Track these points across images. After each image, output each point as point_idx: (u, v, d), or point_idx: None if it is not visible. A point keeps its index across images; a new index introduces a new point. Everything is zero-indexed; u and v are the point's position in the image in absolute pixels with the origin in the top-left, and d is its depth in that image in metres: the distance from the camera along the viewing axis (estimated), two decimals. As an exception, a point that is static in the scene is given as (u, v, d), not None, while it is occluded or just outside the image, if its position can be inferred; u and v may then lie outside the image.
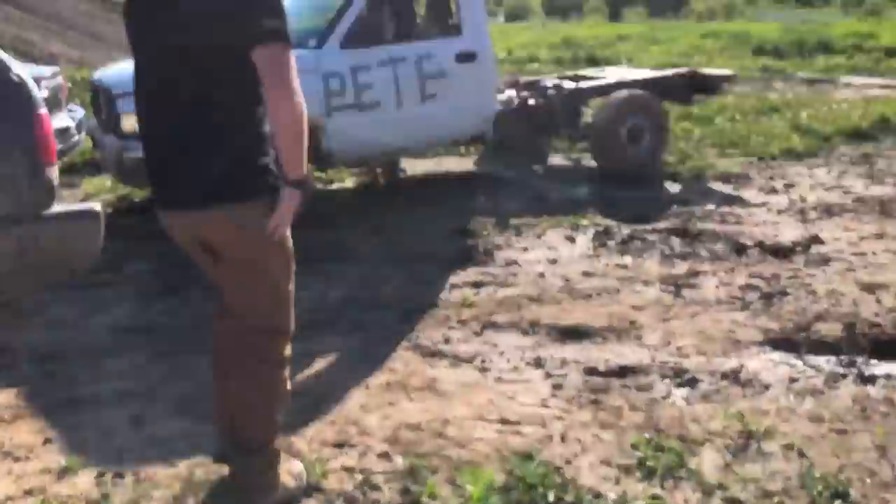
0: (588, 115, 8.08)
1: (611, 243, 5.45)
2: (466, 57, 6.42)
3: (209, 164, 2.34)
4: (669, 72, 8.24)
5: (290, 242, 2.53)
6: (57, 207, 3.37)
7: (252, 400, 2.55)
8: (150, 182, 2.55)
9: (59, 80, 7.57)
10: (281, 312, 2.56)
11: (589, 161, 7.95)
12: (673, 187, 7.08)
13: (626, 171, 7.25)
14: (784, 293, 4.48)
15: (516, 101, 7.36)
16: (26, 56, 11.42)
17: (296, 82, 2.33)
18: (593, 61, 18.56)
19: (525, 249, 5.37)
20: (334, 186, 7.38)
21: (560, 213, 6.16)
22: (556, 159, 8.27)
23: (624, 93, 7.34)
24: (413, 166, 7.71)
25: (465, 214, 6.09)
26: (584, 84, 7.72)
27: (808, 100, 11.75)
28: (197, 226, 2.44)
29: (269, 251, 2.46)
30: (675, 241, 5.46)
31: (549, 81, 7.90)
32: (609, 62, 18.40)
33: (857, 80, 15.24)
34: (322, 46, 5.94)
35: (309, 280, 4.85)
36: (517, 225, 5.84)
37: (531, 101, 7.32)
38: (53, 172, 3.38)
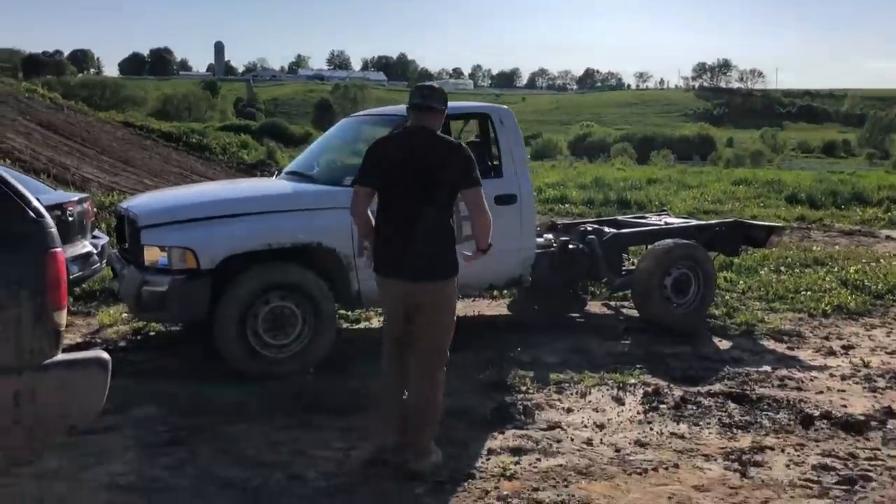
0: (628, 261, 7.74)
1: (663, 407, 4.96)
2: (507, 199, 6.18)
3: (439, 254, 3.98)
4: (714, 221, 7.93)
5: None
6: (60, 356, 3.00)
7: (437, 396, 4.09)
8: (386, 263, 4.06)
9: (87, 205, 7.42)
10: (450, 339, 4.13)
11: (629, 309, 7.57)
12: (722, 344, 6.62)
13: (671, 324, 6.83)
14: (867, 478, 3.95)
15: (555, 245, 7.06)
16: (59, 179, 11.48)
17: (485, 204, 3.98)
18: (624, 203, 18.48)
19: (569, 410, 4.90)
20: (360, 326, 7.01)
21: (604, 368, 5.71)
22: (595, 306, 7.89)
23: (669, 242, 7.01)
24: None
25: (499, 365, 5.65)
26: (626, 231, 7.41)
27: (853, 253, 11.38)
28: (420, 293, 3.95)
29: (452, 306, 4.13)
30: (734, 408, 4.97)
31: (589, 226, 7.62)
32: (640, 205, 18.37)
33: (898, 233, 14.91)
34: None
35: (328, 435, 4.40)
36: (558, 381, 5.39)
37: (571, 246, 7.01)
38: (61, 317, 3.02)
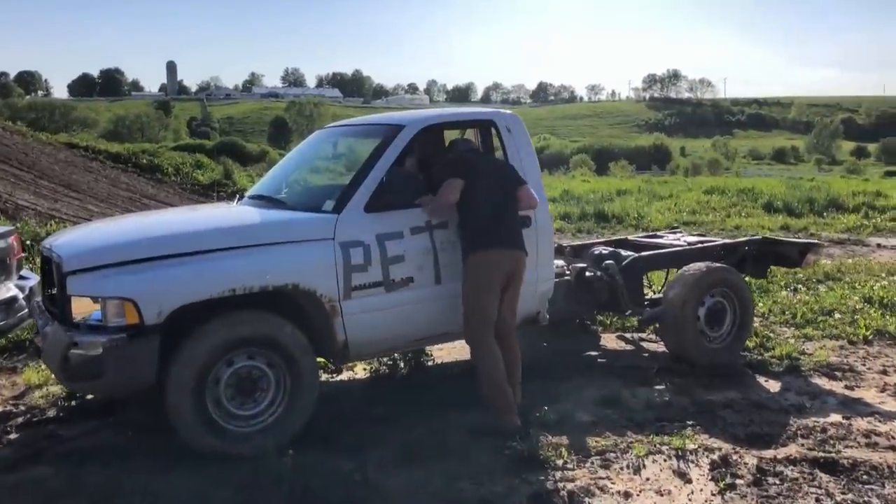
0: (650, 289, 6.76)
1: (740, 483, 3.93)
2: (522, 223, 5.12)
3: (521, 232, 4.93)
4: (742, 240, 6.97)
5: None
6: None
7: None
8: (499, 239, 4.75)
9: (11, 240, 6.18)
10: None
11: (650, 343, 6.58)
12: (770, 384, 5.63)
13: (706, 362, 5.84)
14: None
15: (569, 273, 6.01)
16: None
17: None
18: (602, 217, 17.59)
19: (626, 495, 3.83)
20: (342, 377, 5.88)
21: (649, 427, 4.68)
22: (609, 340, 6.86)
23: (700, 266, 6.02)
24: (441, 352, 6.25)
25: (524, 430, 4.58)
26: (647, 254, 6.40)
27: (861, 265, 10.55)
28: (521, 260, 4.87)
29: None
30: (827, 481, 3.96)
31: (601, 248, 6.60)
32: (618, 218, 17.51)
33: (891, 241, 14.22)
34: (342, 210, 4.61)
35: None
36: (601, 449, 4.33)
37: (588, 273, 5.98)
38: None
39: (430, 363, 5.90)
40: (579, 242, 7.32)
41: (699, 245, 6.67)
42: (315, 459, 4.21)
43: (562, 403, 5.09)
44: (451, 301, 4.80)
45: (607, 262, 6.16)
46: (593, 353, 6.37)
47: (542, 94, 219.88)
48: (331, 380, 5.79)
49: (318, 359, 4.89)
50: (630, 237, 7.54)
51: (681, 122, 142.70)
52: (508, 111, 5.46)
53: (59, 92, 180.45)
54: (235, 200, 5.50)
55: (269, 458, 4.11)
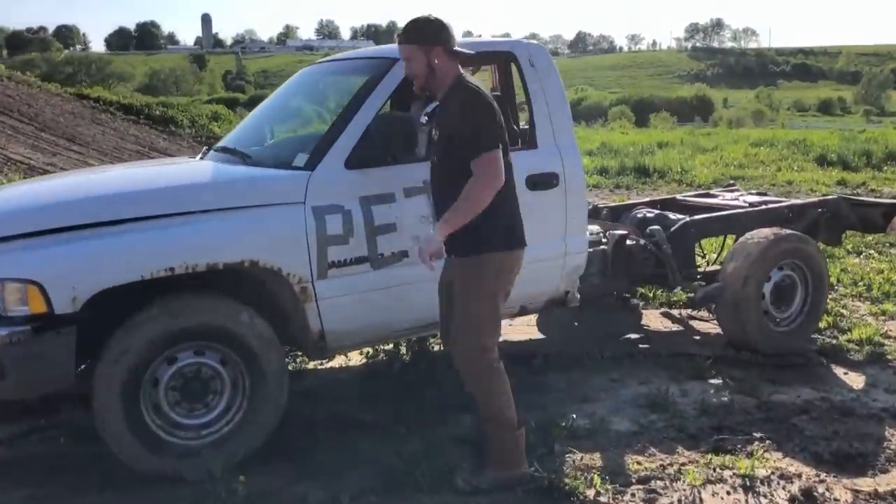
0: (704, 259, 5.73)
1: (833, 530, 2.94)
2: (543, 181, 4.12)
3: None
4: (814, 200, 5.86)
5: None
6: None
7: None
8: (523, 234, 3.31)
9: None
10: None
11: (702, 322, 5.57)
12: (850, 378, 4.60)
13: (770, 348, 4.83)
14: None
15: (606, 240, 4.99)
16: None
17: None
18: (642, 171, 16.40)
19: (679, 550, 2.87)
20: (333, 364, 4.95)
21: (705, 440, 3.69)
22: (652, 317, 5.84)
23: (766, 233, 4.96)
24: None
25: (540, 435, 3.63)
26: (700, 217, 5.33)
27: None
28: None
29: None
30: (952, 529, 2.95)
31: (644, 210, 5.56)
32: (660, 172, 16.29)
33: (963, 198, 12.89)
34: (316, 166, 3.63)
35: None
36: (645, 475, 3.36)
37: (630, 242, 4.95)
38: None
39: (436, 348, 4.94)
40: (618, 203, 6.26)
41: (762, 206, 5.58)
42: (276, 484, 3.31)
43: (594, 405, 4.12)
44: (457, 280, 3.84)
45: (652, 227, 5.12)
46: (633, 337, 5.35)
47: (580, 44, 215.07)
48: (318, 367, 4.87)
49: (292, 350, 3.99)
50: (678, 196, 6.45)
51: (723, 72, 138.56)
52: (531, 41, 4.39)
53: (97, 46, 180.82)
54: (200, 154, 4.53)
55: (216, 482, 3.21)
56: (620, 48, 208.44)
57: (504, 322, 3.72)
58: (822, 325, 5.39)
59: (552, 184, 4.13)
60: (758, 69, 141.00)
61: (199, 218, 3.38)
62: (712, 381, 4.50)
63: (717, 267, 5.34)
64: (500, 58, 4.46)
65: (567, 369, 4.65)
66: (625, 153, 19.87)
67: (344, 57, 4.58)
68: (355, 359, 4.95)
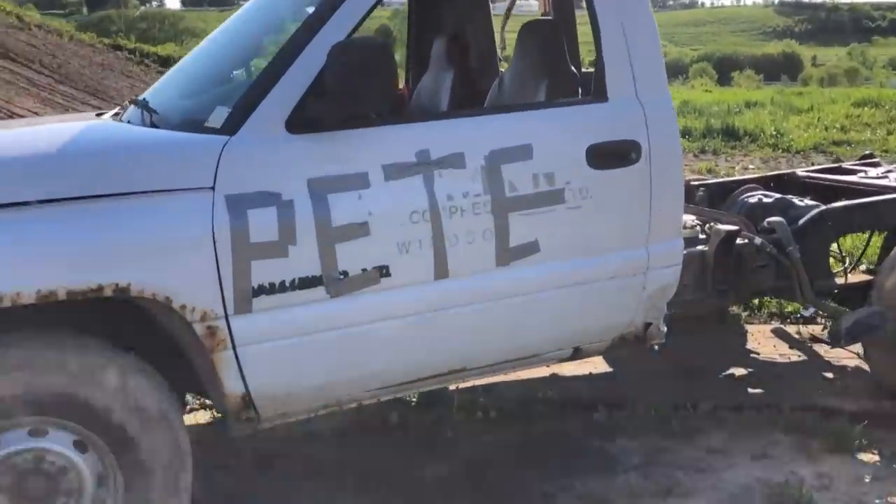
0: (844, 263, 4.14)
1: None
2: (615, 152, 2.61)
3: None
4: None
5: None
6: None
7: None
8: None
9: None
10: None
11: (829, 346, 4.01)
12: None
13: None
14: None
15: (704, 237, 3.45)
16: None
17: None
18: (730, 133, 14.54)
19: None
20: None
21: None
22: (759, 335, 4.30)
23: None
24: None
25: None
26: (839, 205, 3.71)
27: None
28: None
29: None
30: None
31: (757, 193, 3.97)
32: (752, 135, 14.39)
33: None
34: (237, 129, 2.22)
35: None
36: None
37: (741, 241, 3.40)
38: None
39: (453, 385, 3.50)
40: (717, 179, 4.67)
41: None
42: None
43: (685, 502, 2.66)
44: (465, 320, 2.42)
45: (772, 218, 3.55)
46: (737, 373, 3.82)
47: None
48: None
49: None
50: (799, 171, 4.77)
51: (813, 28, 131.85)
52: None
53: (172, 3, 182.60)
54: (121, 109, 3.13)
55: None
56: (702, 3, 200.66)
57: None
58: None
59: (629, 158, 2.63)
60: (850, 25, 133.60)
61: (23, 216, 2.01)
62: (864, 456, 2.98)
63: (864, 277, 3.76)
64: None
65: (642, 429, 3.18)
66: (710, 113, 18.01)
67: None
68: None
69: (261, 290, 2.18)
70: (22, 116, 9.08)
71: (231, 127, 2.23)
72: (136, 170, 2.13)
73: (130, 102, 2.91)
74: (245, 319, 2.18)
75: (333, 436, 3.09)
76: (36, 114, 9.24)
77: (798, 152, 12.65)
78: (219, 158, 2.16)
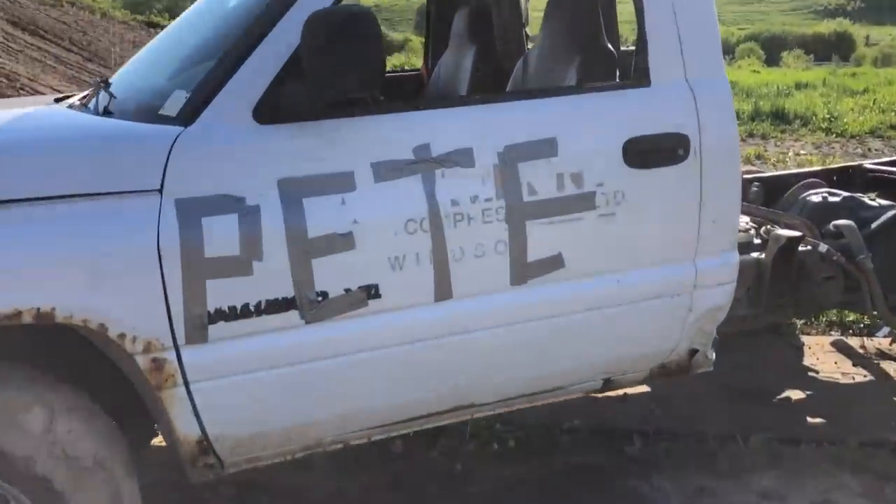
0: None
1: None
2: (660, 148, 2.16)
3: None
4: None
5: None
6: None
7: None
8: None
9: None
10: None
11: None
12: None
13: None
14: None
15: (759, 241, 2.98)
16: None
17: None
18: (780, 116, 13.85)
19: None
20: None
21: None
22: (820, 351, 3.82)
23: None
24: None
25: None
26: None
27: None
28: None
29: None
30: None
31: (822, 191, 3.49)
32: (803, 119, 13.68)
33: None
34: (195, 118, 1.82)
35: None
36: None
37: (804, 247, 2.93)
38: None
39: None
40: (772, 173, 4.17)
41: None
42: None
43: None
44: (475, 346, 2.01)
45: (839, 221, 3.08)
46: (793, 397, 3.35)
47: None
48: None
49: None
50: (866, 163, 4.24)
51: (867, 6, 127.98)
52: None
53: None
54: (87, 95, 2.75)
55: None
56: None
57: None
58: None
59: (677, 155, 2.18)
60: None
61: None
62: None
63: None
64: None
65: (683, 466, 2.75)
66: (758, 94, 17.30)
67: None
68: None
69: (219, 316, 1.79)
70: (43, 94, 8.85)
71: (187, 116, 1.83)
72: (66, 168, 1.74)
73: (94, 85, 2.51)
74: (199, 350, 1.79)
75: (328, 466, 2.71)
76: (59, 91, 9.02)
77: (853, 137, 12.01)
78: (168, 154, 1.77)
